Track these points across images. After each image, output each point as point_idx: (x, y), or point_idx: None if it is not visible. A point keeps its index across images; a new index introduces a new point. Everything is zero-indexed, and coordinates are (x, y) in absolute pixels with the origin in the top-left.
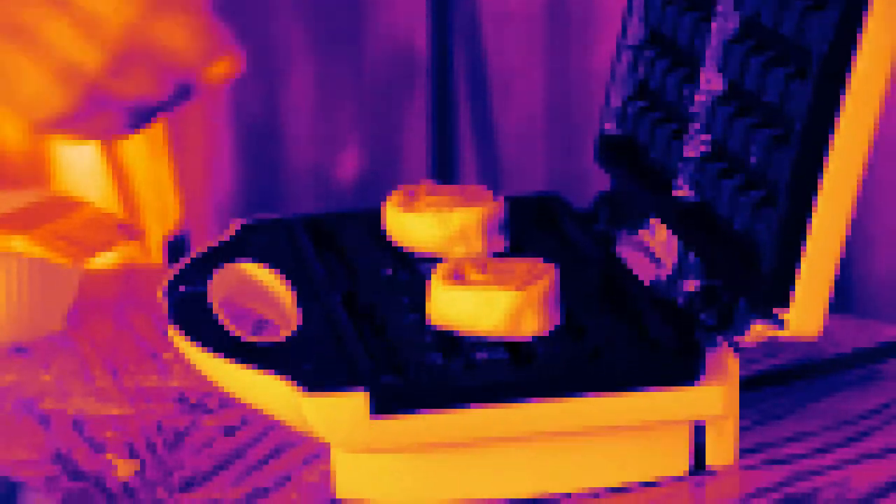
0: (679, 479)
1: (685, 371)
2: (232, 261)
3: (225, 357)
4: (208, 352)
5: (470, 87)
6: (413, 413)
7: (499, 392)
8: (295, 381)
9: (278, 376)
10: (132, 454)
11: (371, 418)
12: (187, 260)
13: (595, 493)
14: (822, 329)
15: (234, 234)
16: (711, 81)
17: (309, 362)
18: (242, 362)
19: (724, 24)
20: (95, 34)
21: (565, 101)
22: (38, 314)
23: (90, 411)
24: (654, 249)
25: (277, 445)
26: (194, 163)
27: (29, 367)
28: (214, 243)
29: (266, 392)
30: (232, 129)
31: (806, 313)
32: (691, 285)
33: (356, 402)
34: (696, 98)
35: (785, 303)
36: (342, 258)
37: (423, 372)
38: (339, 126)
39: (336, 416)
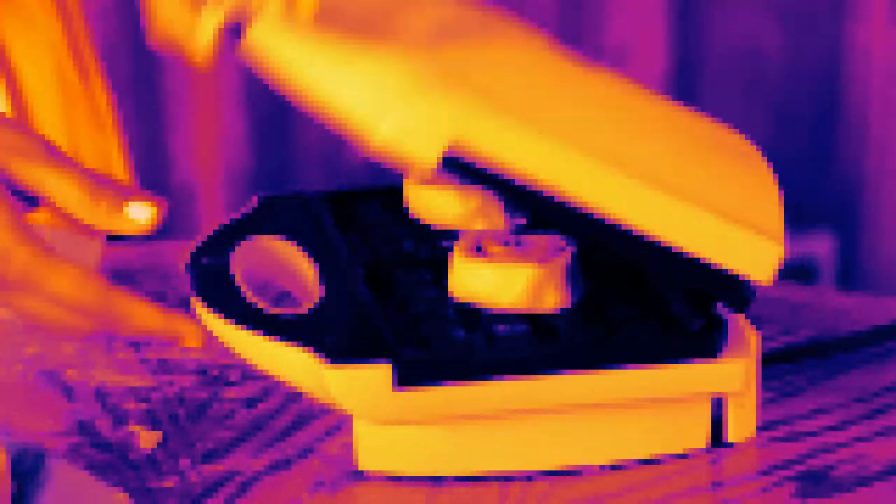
0: (698, 453)
1: (706, 346)
2: (254, 235)
3: (249, 329)
4: (232, 323)
5: None
6: (436, 385)
7: (521, 365)
8: (318, 353)
9: (302, 348)
10: (154, 425)
11: (394, 390)
12: (209, 232)
13: (614, 466)
14: (785, 246)
15: (253, 208)
16: None
17: (332, 335)
18: (266, 334)
19: None
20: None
21: None
22: None
23: (112, 383)
24: None
25: (298, 417)
26: (205, 138)
27: (51, 338)
28: (235, 217)
29: (290, 364)
30: (243, 104)
31: (755, 252)
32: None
33: (380, 373)
34: None
35: (734, 283)
36: (363, 233)
37: (445, 345)
38: None
39: (360, 387)
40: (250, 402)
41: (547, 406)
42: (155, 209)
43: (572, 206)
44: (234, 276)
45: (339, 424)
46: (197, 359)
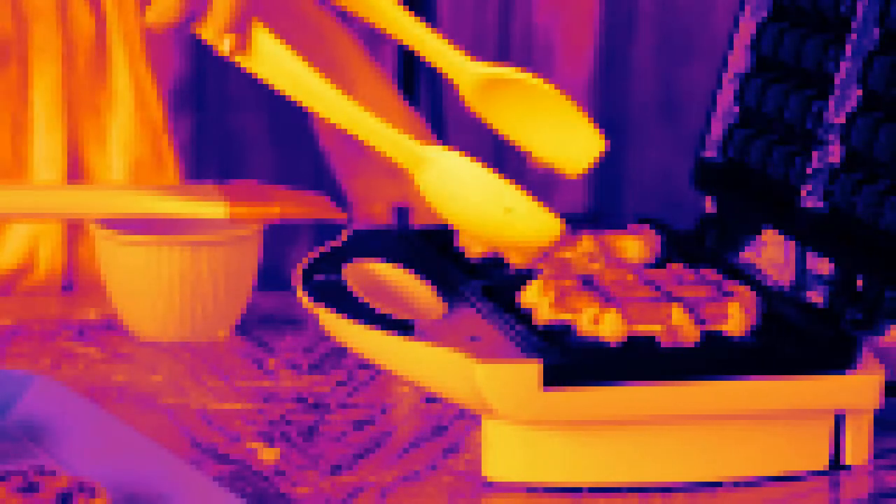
0: (815, 474)
1: (840, 359)
2: (357, 259)
3: (390, 333)
4: (372, 328)
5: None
6: (583, 386)
7: (663, 371)
8: (468, 351)
9: (450, 347)
10: (270, 442)
11: (542, 389)
12: (315, 255)
13: (747, 482)
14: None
15: (346, 239)
16: (848, 96)
17: (476, 338)
18: (407, 336)
19: (860, 40)
20: None
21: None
22: (210, 314)
23: (212, 407)
24: (762, 266)
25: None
26: None
27: (135, 370)
28: (333, 244)
29: (433, 364)
30: None
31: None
32: (817, 293)
33: (529, 371)
34: (828, 113)
35: None
36: (458, 262)
37: (591, 349)
38: None
39: (508, 384)
40: (357, 426)
41: (688, 412)
42: None
43: None
44: (351, 290)
45: (455, 445)
46: (290, 387)
